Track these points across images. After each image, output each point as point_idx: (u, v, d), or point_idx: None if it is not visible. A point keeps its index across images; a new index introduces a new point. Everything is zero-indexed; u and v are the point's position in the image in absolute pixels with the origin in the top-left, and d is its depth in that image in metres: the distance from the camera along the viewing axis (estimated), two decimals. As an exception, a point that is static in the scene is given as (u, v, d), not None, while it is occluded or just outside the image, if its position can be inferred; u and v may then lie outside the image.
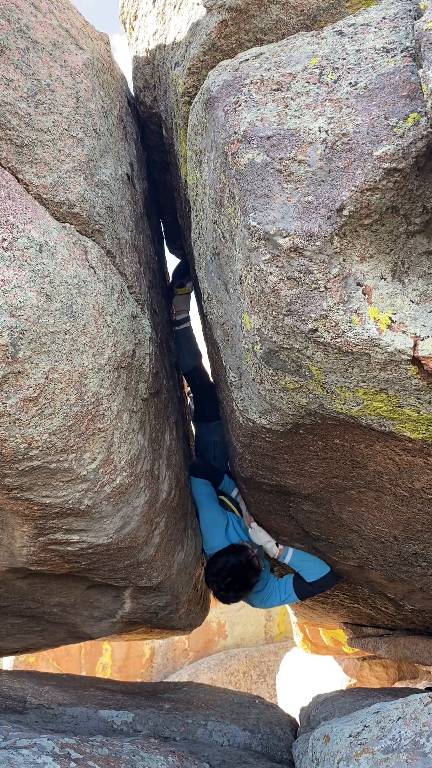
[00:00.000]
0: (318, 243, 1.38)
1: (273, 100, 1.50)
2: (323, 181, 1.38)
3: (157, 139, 2.79)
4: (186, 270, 3.59)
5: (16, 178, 1.59)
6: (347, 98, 1.40)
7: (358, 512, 2.42)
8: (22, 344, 1.45)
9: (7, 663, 8.62)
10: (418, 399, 1.54)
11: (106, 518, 2.03)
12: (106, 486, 1.91)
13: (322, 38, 1.57)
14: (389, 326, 1.41)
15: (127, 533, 2.20)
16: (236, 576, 2.95)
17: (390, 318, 1.41)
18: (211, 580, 3.05)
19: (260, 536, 3.14)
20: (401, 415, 1.63)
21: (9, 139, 1.55)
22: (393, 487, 2.11)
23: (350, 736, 1.70)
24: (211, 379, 3.41)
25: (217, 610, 9.75)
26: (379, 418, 1.67)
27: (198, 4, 1.92)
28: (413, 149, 1.30)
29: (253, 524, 3.18)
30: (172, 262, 6.75)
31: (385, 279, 1.43)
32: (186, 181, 2.26)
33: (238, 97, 1.54)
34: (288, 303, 1.46)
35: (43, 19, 1.73)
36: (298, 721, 3.12)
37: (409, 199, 1.36)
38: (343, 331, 1.43)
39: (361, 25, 1.52)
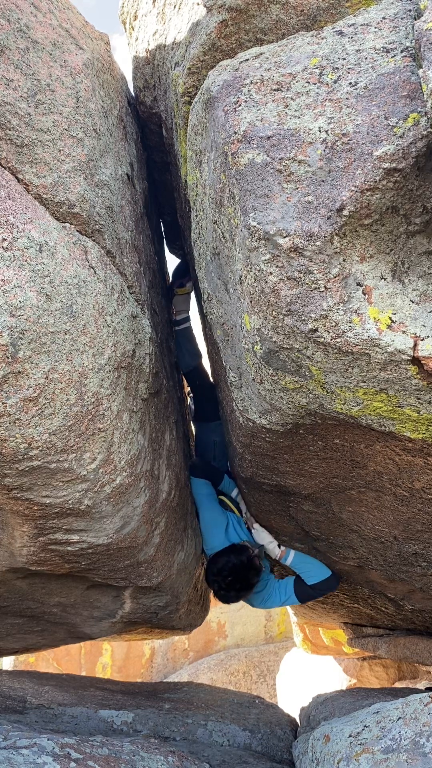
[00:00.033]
0: (318, 243, 1.38)
1: (273, 100, 1.50)
2: (323, 181, 1.38)
3: (157, 139, 2.79)
4: (186, 270, 3.58)
5: (16, 178, 1.59)
6: (347, 98, 1.40)
7: (358, 512, 2.42)
8: (22, 344, 1.45)
9: (7, 663, 8.62)
10: (418, 399, 1.54)
11: (106, 518, 2.03)
12: (106, 486, 1.91)
13: (322, 38, 1.57)
14: (389, 326, 1.41)
15: (127, 533, 2.20)
16: (237, 576, 2.95)
17: (390, 318, 1.41)
18: (211, 580, 3.05)
19: (262, 537, 3.15)
20: (401, 415, 1.63)
21: (9, 139, 1.55)
22: (393, 487, 2.11)
23: (350, 736, 1.70)
24: (211, 379, 3.41)
25: (217, 610, 9.75)
26: (379, 418, 1.67)
27: (198, 4, 1.92)
28: (413, 149, 1.30)
29: (256, 525, 3.18)
30: (172, 262, 6.75)
31: (385, 279, 1.43)
32: (186, 181, 2.26)
33: (238, 97, 1.54)
34: (288, 303, 1.46)
35: (43, 19, 1.73)
36: (298, 721, 3.12)
37: (409, 199, 1.36)
38: (343, 331, 1.43)
39: (361, 25, 1.52)
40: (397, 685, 5.88)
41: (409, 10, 1.48)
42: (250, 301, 1.59)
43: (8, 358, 1.43)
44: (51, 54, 1.71)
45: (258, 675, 9.51)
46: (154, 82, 2.58)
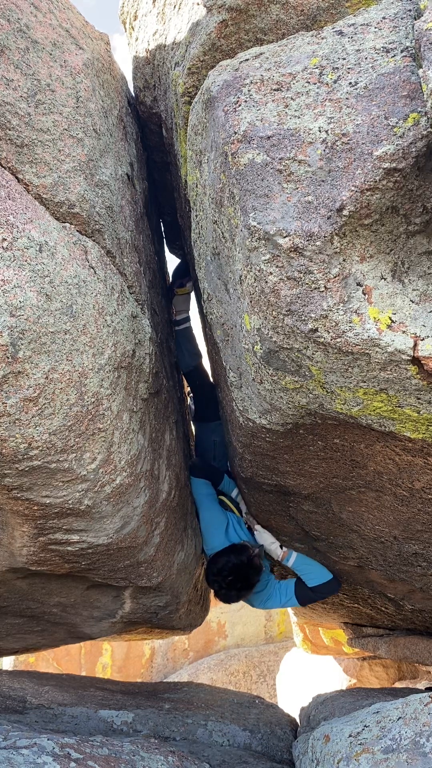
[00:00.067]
0: (318, 243, 1.38)
1: (273, 100, 1.50)
2: (323, 181, 1.38)
3: (157, 139, 2.79)
4: (186, 270, 3.58)
5: (16, 178, 1.59)
6: (347, 98, 1.40)
7: (358, 512, 2.42)
8: (22, 344, 1.45)
9: (7, 663, 8.62)
10: (418, 399, 1.54)
11: (106, 518, 2.03)
12: (106, 486, 1.91)
13: (322, 38, 1.57)
14: (389, 326, 1.41)
15: (127, 533, 2.20)
16: (237, 575, 2.95)
17: (390, 318, 1.41)
18: (212, 580, 3.04)
19: (264, 538, 3.15)
20: (401, 415, 1.63)
21: (9, 139, 1.55)
22: (393, 487, 2.11)
23: (350, 736, 1.70)
24: (211, 379, 3.41)
25: (217, 610, 9.75)
26: (379, 418, 1.67)
27: (198, 4, 1.92)
28: (413, 149, 1.30)
29: (257, 527, 3.19)
30: (172, 262, 6.75)
31: (385, 279, 1.43)
32: (186, 181, 2.26)
33: (238, 97, 1.54)
34: (288, 303, 1.46)
35: (43, 19, 1.73)
36: (298, 721, 3.12)
37: (409, 199, 1.36)
38: (343, 331, 1.43)
39: (361, 25, 1.52)
40: (397, 685, 5.88)
41: (409, 10, 1.48)
42: (250, 301, 1.59)
43: (8, 358, 1.43)
44: (51, 54, 1.71)
45: (258, 675, 9.51)
46: (154, 82, 2.58)
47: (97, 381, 1.73)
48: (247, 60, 1.66)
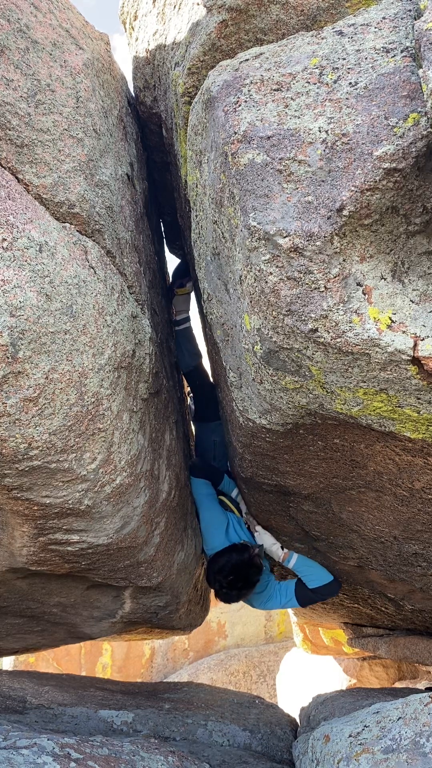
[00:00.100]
0: (318, 243, 1.38)
1: (273, 100, 1.50)
2: (323, 181, 1.38)
3: (157, 139, 2.79)
4: (186, 270, 3.58)
5: (16, 178, 1.59)
6: (347, 98, 1.40)
7: (358, 512, 2.42)
8: (22, 344, 1.45)
9: (7, 663, 8.62)
10: (418, 399, 1.54)
11: (106, 518, 2.03)
12: (106, 486, 1.91)
13: (322, 38, 1.57)
14: (389, 326, 1.41)
15: (127, 533, 2.20)
16: (238, 574, 2.95)
17: (390, 318, 1.41)
18: (212, 579, 3.04)
19: (265, 539, 3.15)
20: (401, 415, 1.63)
21: (9, 139, 1.55)
22: (393, 487, 2.11)
23: (350, 736, 1.70)
24: (211, 379, 3.41)
25: (217, 610, 9.75)
26: (379, 418, 1.67)
27: (198, 4, 1.92)
28: (413, 149, 1.30)
29: (258, 528, 3.18)
30: (172, 262, 6.75)
31: (385, 279, 1.43)
32: (186, 181, 2.26)
33: (238, 97, 1.54)
34: (288, 303, 1.46)
35: (43, 19, 1.73)
36: (298, 721, 3.12)
37: (409, 199, 1.36)
38: (343, 331, 1.43)
39: (361, 25, 1.52)
40: (397, 685, 5.88)
41: (409, 10, 1.48)
42: (250, 301, 1.59)
43: (8, 358, 1.43)
44: (51, 54, 1.71)
45: (258, 675, 9.51)
46: (154, 82, 2.58)
47: (97, 381, 1.73)
48: (247, 60, 1.66)
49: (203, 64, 1.95)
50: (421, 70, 1.32)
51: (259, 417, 1.98)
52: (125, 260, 2.05)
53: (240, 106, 1.52)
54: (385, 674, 5.99)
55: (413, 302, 1.43)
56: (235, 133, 1.49)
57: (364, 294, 1.42)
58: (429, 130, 1.29)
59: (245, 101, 1.53)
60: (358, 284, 1.42)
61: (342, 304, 1.42)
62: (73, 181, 1.71)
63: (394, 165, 1.30)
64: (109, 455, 1.87)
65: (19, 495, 1.74)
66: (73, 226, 1.73)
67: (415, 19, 1.44)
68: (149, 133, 2.81)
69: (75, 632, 3.20)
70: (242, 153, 1.47)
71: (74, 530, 2.00)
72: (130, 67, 2.78)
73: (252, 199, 1.46)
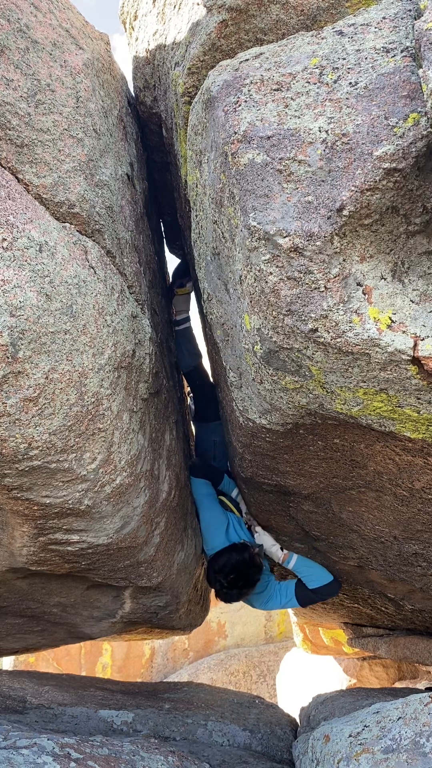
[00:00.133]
0: (318, 243, 1.38)
1: (273, 100, 1.50)
2: (323, 181, 1.38)
3: (157, 139, 2.79)
4: (186, 270, 3.58)
5: (16, 178, 1.59)
6: (347, 98, 1.40)
7: (358, 512, 2.42)
8: (22, 344, 1.45)
9: (7, 663, 8.62)
10: (418, 399, 1.54)
11: (106, 518, 2.03)
12: (106, 486, 1.91)
13: (322, 38, 1.57)
14: (389, 326, 1.41)
15: (127, 533, 2.20)
16: (239, 573, 2.95)
17: (390, 318, 1.41)
18: (213, 579, 3.04)
19: (265, 540, 3.15)
20: (401, 415, 1.63)
21: (9, 139, 1.55)
22: (393, 487, 2.11)
23: (350, 736, 1.70)
24: (211, 379, 3.41)
25: (217, 610, 9.75)
26: (379, 418, 1.67)
27: (198, 4, 1.92)
28: (413, 149, 1.30)
29: (258, 528, 3.19)
30: (172, 262, 6.75)
31: (385, 279, 1.43)
32: (186, 181, 2.26)
33: (238, 97, 1.54)
34: (288, 303, 1.46)
35: (43, 19, 1.73)
36: (298, 721, 3.12)
37: (409, 199, 1.36)
38: (343, 331, 1.43)
39: (361, 25, 1.52)
40: (397, 685, 5.88)
41: (409, 10, 1.48)
42: (250, 301, 1.59)
43: (8, 358, 1.43)
44: (51, 54, 1.71)
45: (258, 675, 9.51)
46: (154, 82, 2.58)
47: (97, 381, 1.73)
48: (247, 60, 1.66)
49: (203, 64, 1.95)
50: (421, 70, 1.32)
51: (259, 417, 1.98)
52: (125, 260, 2.05)
53: (240, 106, 1.52)
54: (385, 674, 5.99)
55: (413, 302, 1.43)
56: (235, 133, 1.49)
57: (364, 294, 1.42)
58: (429, 130, 1.29)
59: (245, 101, 1.53)
60: (358, 284, 1.42)
61: (342, 304, 1.42)
62: (73, 181, 1.71)
63: (394, 165, 1.30)
64: (109, 455, 1.87)
65: (19, 495, 1.74)
66: (73, 226, 1.73)
67: (415, 19, 1.44)
68: (149, 133, 2.81)
69: (75, 632, 3.20)
70: (242, 153, 1.47)
71: (74, 530, 2.00)
72: (130, 67, 2.78)
73: (252, 199, 1.46)
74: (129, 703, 2.86)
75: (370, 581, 3.14)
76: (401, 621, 3.80)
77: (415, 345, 1.40)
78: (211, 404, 3.41)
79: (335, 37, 1.54)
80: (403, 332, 1.40)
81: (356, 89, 1.40)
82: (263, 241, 1.44)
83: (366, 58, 1.44)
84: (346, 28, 1.55)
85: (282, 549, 3.16)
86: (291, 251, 1.41)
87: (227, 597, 3.08)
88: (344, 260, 1.41)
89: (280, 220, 1.41)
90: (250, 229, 1.45)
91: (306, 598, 3.21)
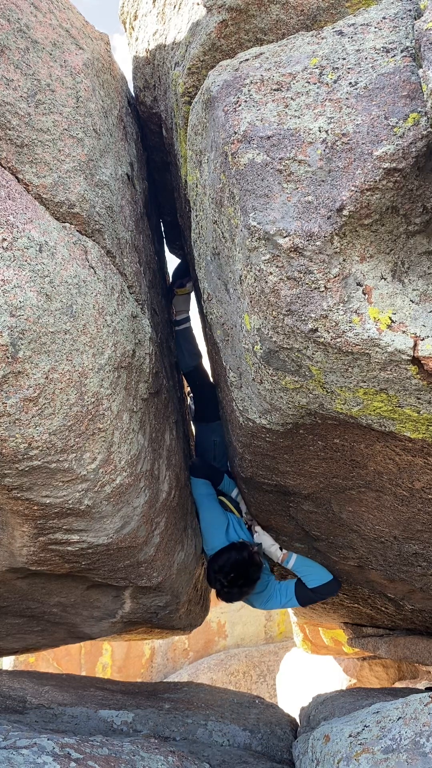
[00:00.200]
0: (318, 243, 1.38)
1: (273, 100, 1.50)
2: (323, 181, 1.38)
3: (157, 139, 2.79)
4: (186, 270, 3.58)
5: (16, 178, 1.59)
6: (347, 98, 1.40)
7: (358, 512, 2.42)
8: (22, 344, 1.45)
9: (7, 663, 8.62)
10: (418, 399, 1.54)
11: (106, 518, 2.03)
12: (106, 486, 1.91)
13: (322, 38, 1.57)
14: (389, 326, 1.41)
15: (127, 533, 2.20)
16: (239, 572, 2.95)
17: (390, 318, 1.41)
18: (213, 579, 3.04)
19: (264, 540, 3.15)
20: (401, 415, 1.63)
21: (9, 139, 1.55)
22: (393, 487, 2.11)
23: (350, 736, 1.70)
24: (211, 379, 3.41)
25: (217, 610, 9.75)
26: (379, 418, 1.67)
27: (198, 4, 1.92)
28: (413, 149, 1.30)
29: (258, 528, 3.19)
30: (172, 262, 6.75)
31: (385, 279, 1.43)
32: (186, 181, 2.26)
33: (238, 97, 1.54)
34: (288, 303, 1.46)
35: (43, 19, 1.73)
36: (298, 721, 3.12)
37: (409, 199, 1.36)
38: (343, 331, 1.43)
39: (361, 25, 1.52)
40: (397, 685, 5.88)
41: (409, 10, 1.48)
42: (250, 301, 1.59)
43: (8, 358, 1.43)
44: (51, 54, 1.71)
45: (258, 675, 9.51)
46: (154, 82, 2.58)
47: (97, 381, 1.73)
48: (247, 60, 1.66)
49: (203, 64, 1.95)
50: (421, 70, 1.32)
51: (259, 417, 1.98)
52: (125, 260, 2.05)
53: (240, 106, 1.52)
54: (385, 674, 5.99)
55: (413, 302, 1.43)
56: (235, 133, 1.49)
57: (364, 294, 1.42)
58: (429, 130, 1.29)
59: (245, 101, 1.53)
60: (358, 284, 1.42)
61: (342, 304, 1.42)
62: (73, 181, 1.71)
63: (394, 165, 1.30)
64: (109, 455, 1.87)
65: (19, 495, 1.74)
66: (73, 226, 1.73)
67: (415, 19, 1.44)
68: (149, 133, 2.81)
69: (75, 632, 3.20)
70: (242, 153, 1.47)
71: (74, 530, 2.00)
72: (130, 67, 2.78)
73: (252, 199, 1.46)
74: (129, 703, 2.86)
75: (370, 581, 3.15)
76: (401, 621, 3.80)
77: (415, 345, 1.40)
78: (211, 404, 3.41)
79: (335, 37, 1.54)
80: (403, 332, 1.40)
81: (356, 89, 1.40)
82: (263, 241, 1.44)
83: (366, 58, 1.44)
84: (346, 28, 1.55)
85: (281, 548, 3.16)
86: (291, 251, 1.41)
87: (228, 596, 3.08)
88: (344, 260, 1.41)
89: (280, 220, 1.41)
90: (250, 229, 1.45)
91: (306, 597, 3.21)
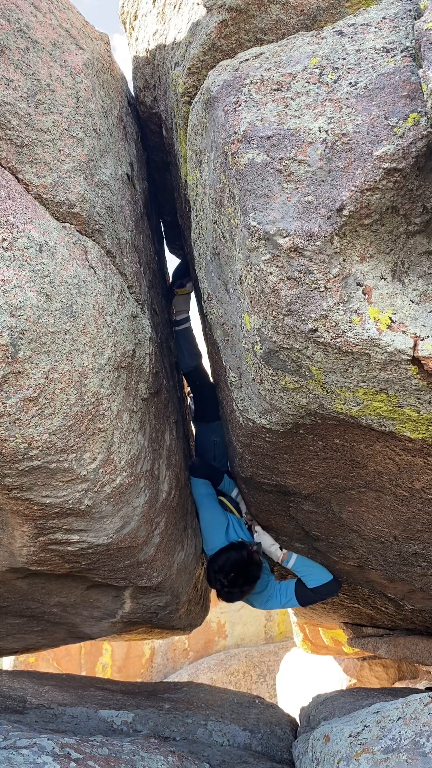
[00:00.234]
0: (318, 243, 1.38)
1: (273, 100, 1.50)
2: (323, 181, 1.38)
3: (157, 139, 2.79)
4: (186, 270, 3.58)
5: (16, 178, 1.59)
6: (347, 98, 1.40)
7: (358, 512, 2.42)
8: (22, 344, 1.45)
9: (7, 663, 8.62)
10: (418, 399, 1.54)
11: (106, 518, 2.03)
12: (106, 486, 1.91)
13: (322, 38, 1.57)
14: (389, 326, 1.41)
15: (127, 533, 2.20)
16: (239, 571, 2.95)
17: (390, 318, 1.41)
18: (213, 579, 3.04)
19: (264, 540, 3.15)
20: (401, 415, 1.63)
21: (9, 139, 1.55)
22: (393, 487, 2.11)
23: (350, 736, 1.70)
24: (211, 379, 3.41)
25: (217, 610, 9.75)
26: (379, 418, 1.67)
27: (198, 4, 1.92)
28: (413, 149, 1.30)
29: (258, 528, 3.19)
30: (172, 262, 6.75)
31: (385, 279, 1.43)
32: (186, 181, 2.26)
33: (238, 97, 1.54)
34: (288, 303, 1.46)
35: (43, 19, 1.73)
36: (298, 721, 3.12)
37: (409, 199, 1.36)
38: (343, 331, 1.43)
39: (361, 25, 1.52)
40: (397, 685, 5.88)
41: (409, 10, 1.48)
42: (250, 301, 1.59)
43: (8, 358, 1.43)
44: (51, 54, 1.71)
45: (258, 675, 9.51)
46: (154, 82, 2.58)
47: (97, 381, 1.73)
48: (247, 60, 1.66)
49: (203, 64, 1.95)
50: (421, 70, 1.32)
51: (259, 417, 1.98)
52: (125, 260, 2.05)
53: (240, 106, 1.52)
54: (385, 674, 5.99)
55: (413, 302, 1.43)
56: (235, 133, 1.49)
57: (364, 294, 1.42)
58: (429, 130, 1.29)
59: (245, 101, 1.53)
60: (358, 284, 1.42)
61: (342, 304, 1.42)
62: (73, 181, 1.71)
63: (394, 165, 1.30)
64: (109, 455, 1.87)
65: (19, 495, 1.74)
66: (73, 226, 1.73)
67: (415, 19, 1.44)
68: (149, 133, 2.81)
69: (75, 632, 3.20)
70: (242, 153, 1.47)
71: (74, 530, 2.00)
72: (130, 67, 2.78)
73: (252, 199, 1.46)
74: (129, 703, 2.86)
75: (370, 581, 3.15)
76: (401, 621, 3.80)
77: (415, 345, 1.40)
78: (211, 404, 3.41)
79: (335, 37, 1.54)
80: (403, 332, 1.40)
81: (356, 89, 1.40)
82: (263, 241, 1.44)
83: (366, 58, 1.44)
84: (346, 28, 1.55)
85: (281, 548, 3.16)
86: (291, 251, 1.41)
87: (229, 596, 3.08)
88: (344, 260, 1.41)
89: (280, 220, 1.41)
90: (250, 229, 1.45)
91: (306, 597, 3.21)
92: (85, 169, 1.77)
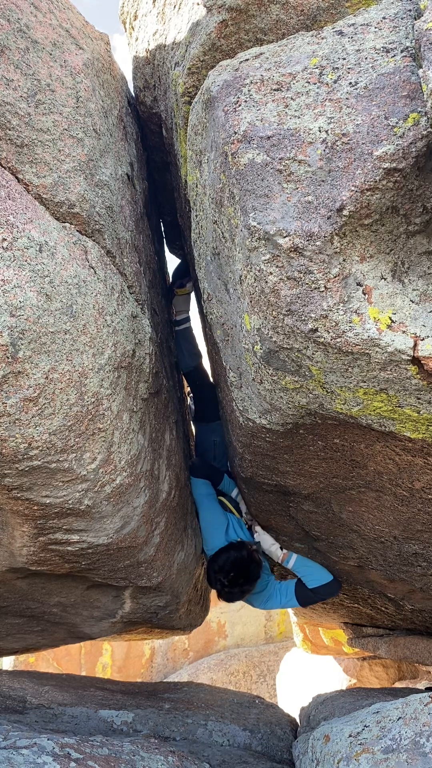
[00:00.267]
0: (318, 243, 1.38)
1: (273, 100, 1.50)
2: (323, 181, 1.38)
3: (157, 139, 2.79)
4: (186, 270, 3.58)
5: (16, 178, 1.59)
6: (347, 98, 1.40)
7: (358, 512, 2.42)
8: (22, 344, 1.45)
9: (7, 663, 8.62)
10: (418, 399, 1.54)
11: (106, 518, 2.03)
12: (106, 486, 1.91)
13: (322, 38, 1.57)
14: (389, 326, 1.41)
15: (127, 533, 2.20)
16: (239, 571, 2.95)
17: (390, 318, 1.41)
18: (213, 579, 3.04)
19: (264, 539, 3.15)
20: (401, 415, 1.63)
21: (9, 139, 1.55)
22: (393, 487, 2.11)
23: (350, 736, 1.70)
24: (211, 379, 3.41)
25: (217, 610, 9.75)
26: (379, 418, 1.67)
27: (198, 4, 1.92)
28: (413, 149, 1.30)
29: (258, 528, 3.19)
30: (172, 262, 6.75)
31: (385, 279, 1.43)
32: (186, 181, 2.26)
33: (238, 97, 1.54)
34: (288, 303, 1.46)
35: (43, 19, 1.73)
36: (298, 721, 3.12)
37: (409, 199, 1.36)
38: (343, 331, 1.43)
39: (361, 25, 1.52)
40: (397, 685, 5.88)
41: (409, 10, 1.48)
42: (250, 301, 1.59)
43: (8, 358, 1.43)
44: (51, 54, 1.71)
45: (258, 675, 9.51)
46: (154, 82, 2.58)
47: (97, 381, 1.73)
48: (247, 60, 1.66)
49: (203, 64, 1.95)
50: (421, 70, 1.32)
51: (259, 417, 1.98)
52: (125, 260, 2.05)
53: (240, 106, 1.52)
54: (385, 674, 5.99)
55: (413, 302, 1.43)
56: (235, 133, 1.49)
57: (364, 294, 1.42)
58: (429, 130, 1.29)
59: (245, 101, 1.53)
60: (358, 284, 1.42)
61: (342, 304, 1.42)
62: (73, 181, 1.71)
63: (394, 165, 1.30)
64: (109, 455, 1.87)
65: (19, 495, 1.74)
66: (73, 226, 1.73)
67: (415, 19, 1.44)
68: (149, 133, 2.81)
69: (75, 632, 3.20)
70: (242, 153, 1.47)
71: (74, 530, 2.00)
72: (130, 67, 2.78)
73: (252, 199, 1.46)
74: (129, 703, 2.86)
75: (370, 581, 3.14)
76: (401, 621, 3.80)
77: (415, 345, 1.40)
78: (211, 404, 3.41)
79: (335, 37, 1.54)
80: (403, 332, 1.40)
81: (356, 89, 1.40)
82: (263, 241, 1.44)
83: (366, 58, 1.44)
84: (346, 28, 1.55)
85: (281, 548, 3.16)
86: (291, 251, 1.41)
87: (229, 596, 3.08)
88: (344, 260, 1.41)
89: (280, 220, 1.41)
90: (250, 229, 1.45)
91: (306, 597, 3.21)
92: (85, 169, 1.77)
